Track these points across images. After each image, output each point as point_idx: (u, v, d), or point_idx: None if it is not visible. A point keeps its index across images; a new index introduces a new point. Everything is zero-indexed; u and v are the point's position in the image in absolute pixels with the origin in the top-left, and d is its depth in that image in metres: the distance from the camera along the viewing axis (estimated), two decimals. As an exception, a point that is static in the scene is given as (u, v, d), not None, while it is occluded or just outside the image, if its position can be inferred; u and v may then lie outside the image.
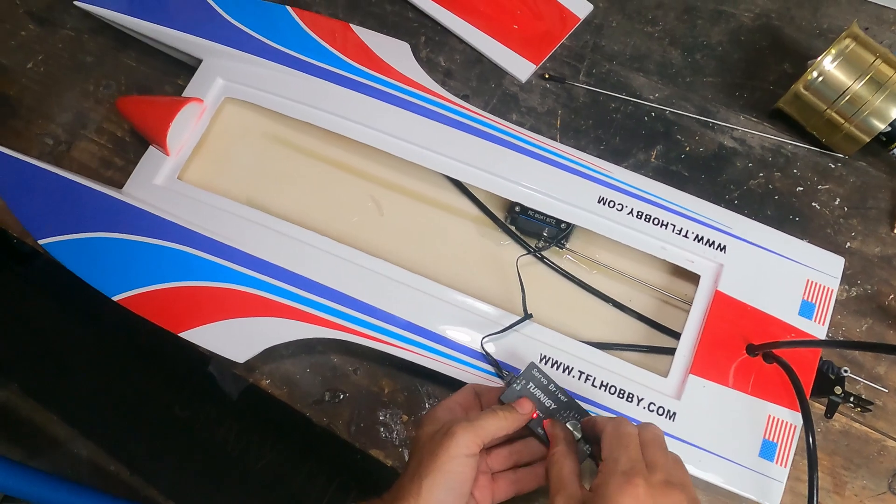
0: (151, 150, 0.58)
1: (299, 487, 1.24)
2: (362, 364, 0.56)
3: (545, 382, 0.46)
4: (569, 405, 0.46)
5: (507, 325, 0.51)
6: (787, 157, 0.59)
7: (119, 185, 0.60)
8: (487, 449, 0.46)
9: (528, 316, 0.51)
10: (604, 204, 0.54)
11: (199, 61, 0.61)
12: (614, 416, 0.43)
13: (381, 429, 0.54)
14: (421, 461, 0.42)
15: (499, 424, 0.43)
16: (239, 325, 0.53)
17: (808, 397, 0.48)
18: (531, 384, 0.46)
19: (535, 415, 0.45)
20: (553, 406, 0.46)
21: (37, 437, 1.28)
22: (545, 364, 0.50)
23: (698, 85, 0.63)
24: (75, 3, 0.63)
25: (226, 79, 0.60)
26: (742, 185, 0.59)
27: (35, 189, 0.57)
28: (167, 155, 0.57)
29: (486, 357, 0.50)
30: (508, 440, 0.47)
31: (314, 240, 0.55)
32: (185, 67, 0.65)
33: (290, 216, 0.58)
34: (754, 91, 0.62)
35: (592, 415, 0.46)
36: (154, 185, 0.57)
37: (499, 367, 0.49)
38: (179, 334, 0.53)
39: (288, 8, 0.62)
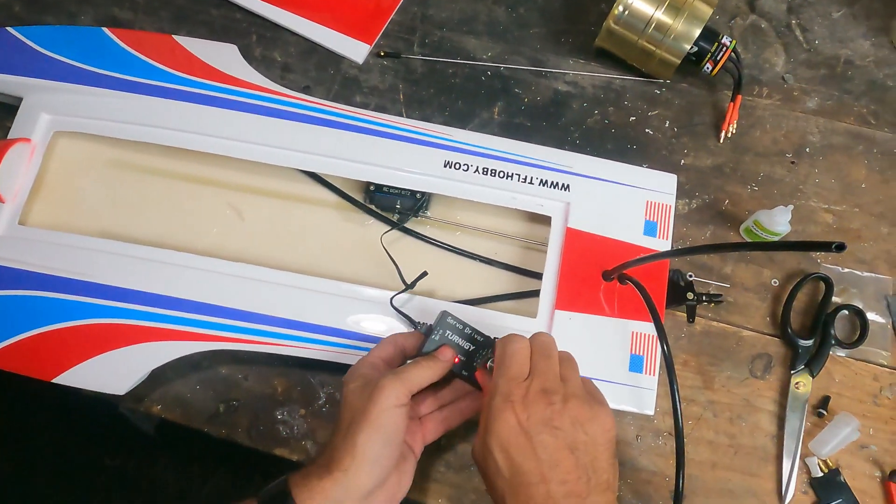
0: (-15, 201, 0.56)
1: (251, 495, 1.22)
2: (251, 369, 0.56)
3: (460, 327, 0.48)
4: (486, 343, 0.48)
5: (408, 285, 0.52)
6: (617, 91, 0.63)
7: (-40, 243, 0.57)
8: (413, 396, 0.47)
9: (423, 274, 0.52)
10: (450, 167, 0.55)
11: (21, 100, 0.59)
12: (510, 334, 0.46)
13: (281, 427, 0.55)
14: (353, 418, 0.42)
15: (424, 374, 0.45)
16: (112, 358, 0.52)
17: (663, 308, 0.52)
18: (448, 332, 0.47)
19: (456, 360, 0.47)
20: (472, 348, 0.47)
21: (-38, 523, 1.21)
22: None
23: (526, 38, 0.65)
24: None
25: (52, 113, 0.58)
26: (581, 125, 0.62)
27: None
28: (2, 202, 0.55)
29: (399, 313, 0.51)
30: (432, 385, 0.48)
31: (174, 258, 0.54)
32: (11, 109, 0.62)
33: (149, 240, 0.57)
34: (578, 34, 0.65)
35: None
36: (-6, 235, 0.55)
37: (412, 321, 0.51)
38: (53, 380, 0.52)
39: (104, 30, 0.60)
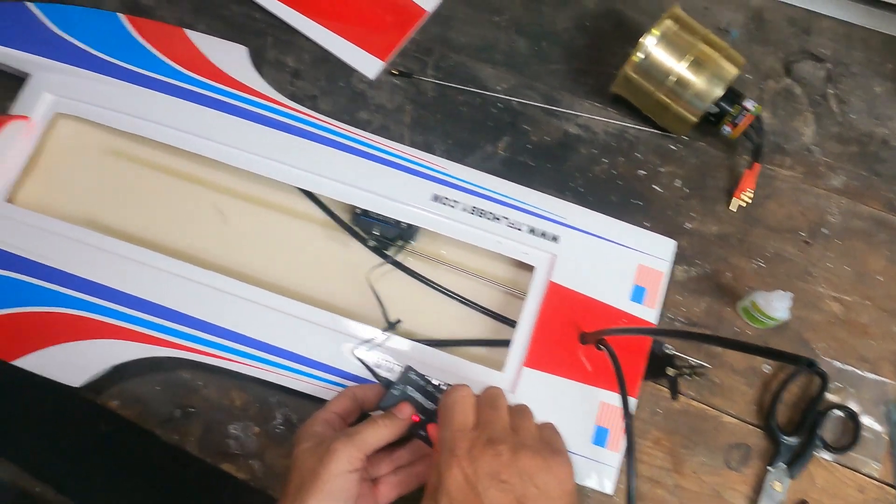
0: (-24, 174, 0.56)
1: (232, 488, 1.22)
2: (212, 378, 0.55)
3: (422, 383, 0.46)
4: None
5: (375, 337, 0.50)
6: (631, 142, 0.60)
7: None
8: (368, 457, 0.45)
9: (397, 322, 0.51)
10: (438, 202, 0.53)
11: (29, 76, 0.59)
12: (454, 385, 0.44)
13: (232, 442, 0.54)
14: (302, 482, 0.41)
15: (380, 434, 0.43)
16: (73, 349, 0.51)
17: (638, 381, 0.49)
18: (409, 387, 0.46)
19: (416, 418, 0.45)
20: (433, 407, 0.45)
21: (-45, 465, 1.24)
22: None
23: (544, 73, 0.62)
24: None
25: (55, 94, 0.58)
26: (587, 172, 0.59)
27: None
28: (-8, 177, 0.55)
29: (364, 366, 0.50)
30: (388, 447, 0.46)
31: (150, 258, 0.53)
32: (20, 83, 0.63)
33: (132, 233, 0.56)
34: (598, 76, 0.62)
35: None
36: (-21, 210, 0.55)
37: (375, 374, 0.49)
38: (12, 362, 0.52)
39: (119, 16, 0.60)
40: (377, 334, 0.50)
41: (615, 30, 0.63)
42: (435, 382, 0.47)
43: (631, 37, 0.63)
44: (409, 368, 0.46)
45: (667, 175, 0.59)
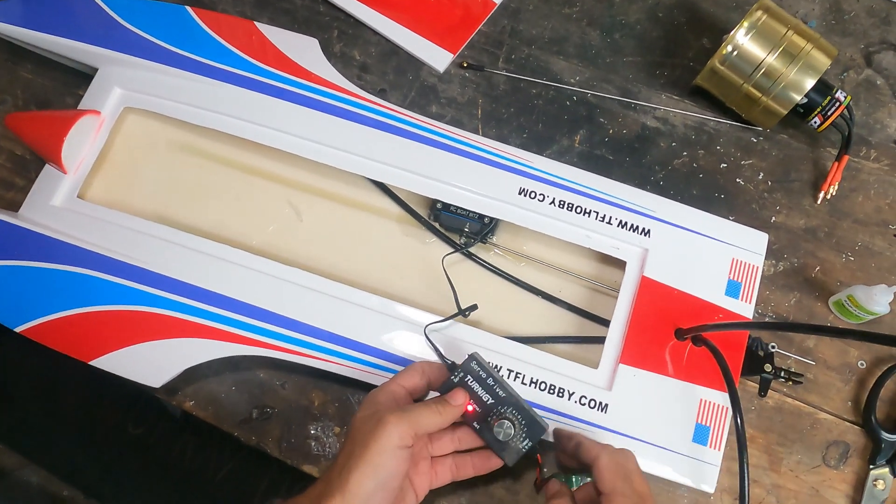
0: (48, 169, 0.55)
1: (264, 492, 1.21)
2: (290, 378, 0.54)
3: (484, 376, 0.44)
4: (506, 400, 0.44)
5: (450, 315, 0.49)
6: (710, 134, 0.59)
7: (20, 207, 0.56)
8: (430, 434, 0.44)
9: (473, 307, 0.49)
10: (525, 195, 0.52)
11: (95, 70, 0.58)
12: (605, 443, 0.43)
13: (313, 443, 0.52)
14: (352, 451, 0.40)
15: (432, 419, 0.41)
16: (152, 349, 0.50)
17: (737, 378, 0.48)
18: (469, 377, 0.44)
19: (472, 410, 0.44)
20: (491, 401, 0.44)
21: (-17, 469, 1.23)
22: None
23: (619, 65, 0.61)
24: (-43, 15, 0.59)
25: (124, 88, 0.57)
26: (667, 165, 0.58)
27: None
28: (64, 173, 0.54)
29: (430, 345, 0.48)
30: (452, 425, 0.44)
31: (227, 253, 0.52)
32: (87, 78, 0.61)
33: (204, 229, 0.55)
34: (675, 69, 0.61)
35: (566, 428, 0.46)
36: (52, 206, 0.54)
37: (442, 356, 0.48)
38: (90, 363, 0.50)
39: (187, 9, 0.59)
40: (449, 318, 0.49)
41: (689, 21, 0.62)
42: (499, 375, 0.44)
43: (705, 28, 0.62)
44: (472, 357, 0.44)
45: (749, 168, 0.57)
